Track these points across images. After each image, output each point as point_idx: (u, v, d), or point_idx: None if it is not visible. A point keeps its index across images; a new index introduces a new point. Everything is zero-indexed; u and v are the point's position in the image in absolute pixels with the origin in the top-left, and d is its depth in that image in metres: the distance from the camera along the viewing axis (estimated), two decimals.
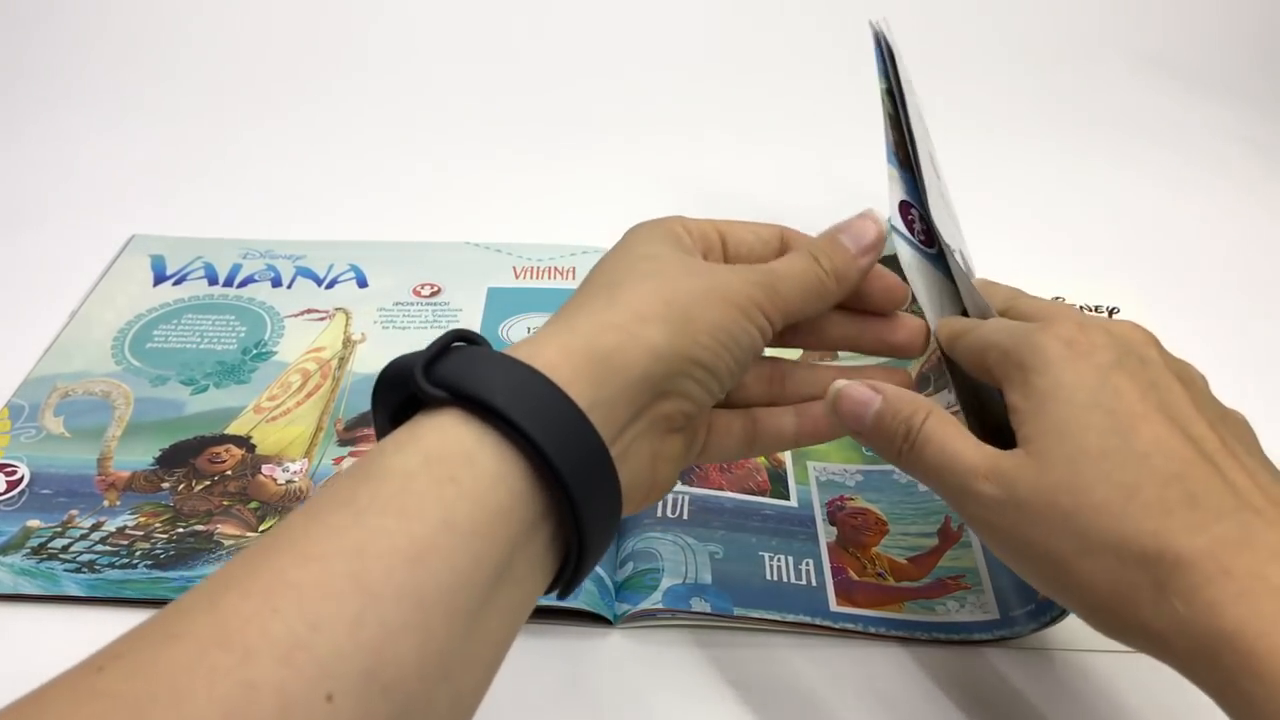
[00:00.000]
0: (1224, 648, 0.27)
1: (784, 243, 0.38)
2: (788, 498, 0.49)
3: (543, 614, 0.43)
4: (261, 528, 0.46)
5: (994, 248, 0.69)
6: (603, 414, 0.29)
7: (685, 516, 0.47)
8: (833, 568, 0.45)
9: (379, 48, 0.91)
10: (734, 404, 0.38)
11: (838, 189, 0.76)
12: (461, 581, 0.25)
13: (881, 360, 0.40)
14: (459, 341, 0.30)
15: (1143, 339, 0.33)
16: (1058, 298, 0.46)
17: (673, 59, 0.92)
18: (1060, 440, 0.30)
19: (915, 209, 0.42)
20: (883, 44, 0.46)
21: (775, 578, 0.45)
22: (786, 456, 0.51)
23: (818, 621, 0.43)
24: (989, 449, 0.32)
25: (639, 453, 0.31)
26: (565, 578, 0.29)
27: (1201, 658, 0.27)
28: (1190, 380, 0.33)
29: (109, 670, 0.22)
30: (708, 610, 0.42)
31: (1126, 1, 1.00)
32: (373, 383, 0.30)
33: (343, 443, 0.51)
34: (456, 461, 0.26)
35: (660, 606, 0.42)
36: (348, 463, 0.50)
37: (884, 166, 0.43)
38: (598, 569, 0.45)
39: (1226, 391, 0.55)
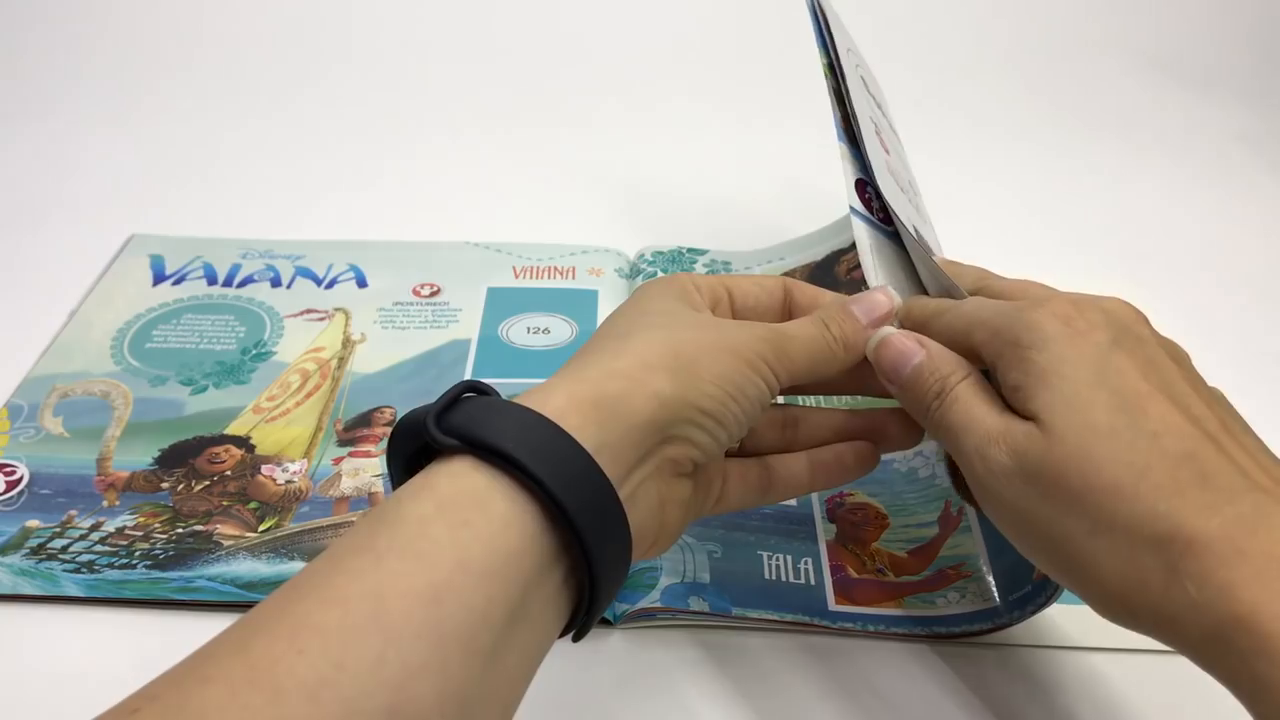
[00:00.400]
0: (1238, 631, 0.26)
1: (787, 292, 0.39)
2: None
3: None
4: (261, 528, 0.46)
5: (994, 247, 0.69)
6: (609, 456, 0.30)
7: None
8: (831, 566, 0.45)
9: (380, 48, 0.91)
10: (748, 453, 0.39)
11: (833, 188, 0.76)
12: (478, 621, 0.26)
13: (892, 401, 0.40)
14: (470, 393, 0.31)
15: (1134, 316, 0.33)
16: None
17: (674, 58, 0.93)
18: (1069, 415, 0.30)
19: (870, 186, 0.42)
20: (818, 13, 0.45)
21: (774, 577, 0.44)
22: None
23: (816, 621, 0.43)
24: (1012, 418, 0.32)
25: (647, 495, 0.32)
26: (580, 619, 0.30)
27: (1215, 642, 0.27)
28: (1180, 358, 0.33)
29: (144, 712, 0.23)
30: (706, 610, 0.42)
31: (1130, 2, 1.00)
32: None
33: (342, 443, 0.51)
34: (469, 506, 0.27)
35: (658, 605, 0.42)
36: (347, 463, 0.50)
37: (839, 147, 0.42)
38: None
39: (1228, 391, 0.55)
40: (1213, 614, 0.27)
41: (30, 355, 0.55)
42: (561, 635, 0.31)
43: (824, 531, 0.47)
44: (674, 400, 0.31)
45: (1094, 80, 0.93)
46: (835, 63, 0.44)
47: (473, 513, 0.27)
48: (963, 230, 0.72)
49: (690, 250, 0.66)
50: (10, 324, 0.58)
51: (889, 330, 0.36)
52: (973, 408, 0.32)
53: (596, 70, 0.90)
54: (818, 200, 0.75)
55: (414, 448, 0.30)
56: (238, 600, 0.43)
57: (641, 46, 0.93)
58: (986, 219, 0.74)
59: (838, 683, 0.41)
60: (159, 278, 0.63)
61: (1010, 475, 0.31)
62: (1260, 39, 0.99)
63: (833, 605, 0.43)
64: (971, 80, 0.92)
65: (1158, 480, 0.28)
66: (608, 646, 0.42)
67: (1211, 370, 0.57)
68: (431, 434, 0.29)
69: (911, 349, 0.35)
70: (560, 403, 0.30)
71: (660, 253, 0.65)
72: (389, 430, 0.51)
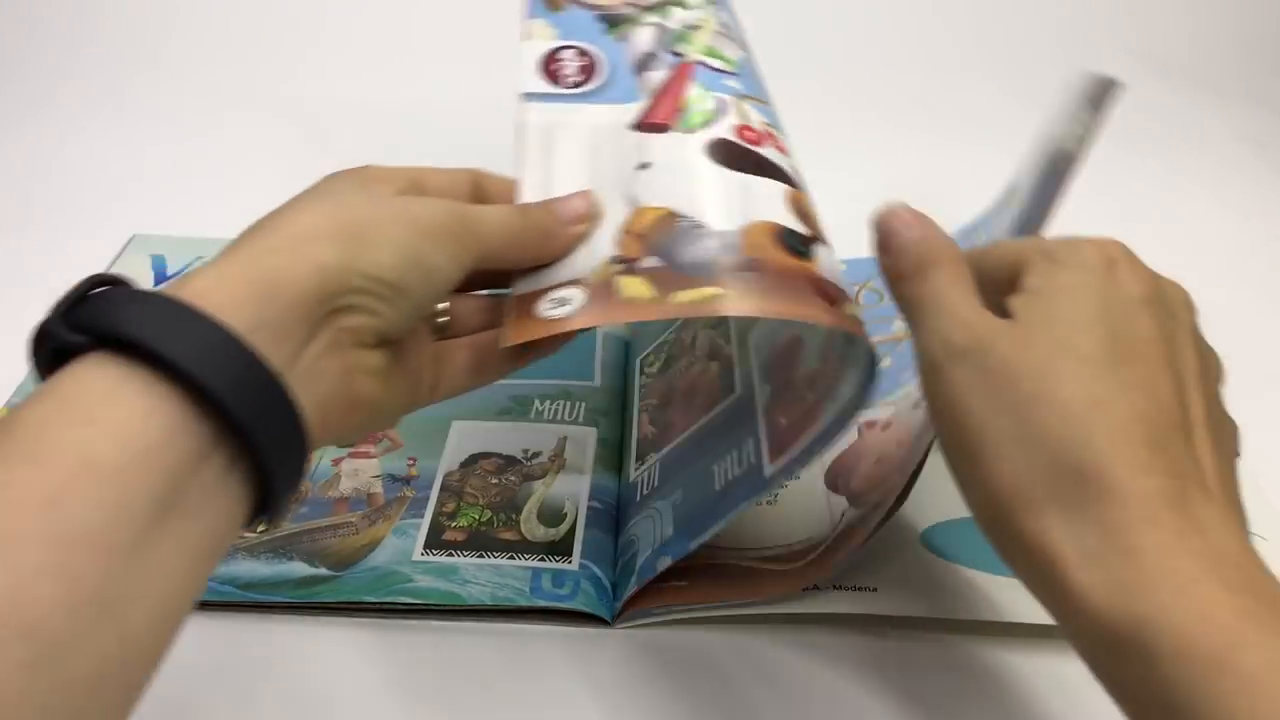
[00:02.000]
0: (1130, 597, 0.26)
1: (476, 185, 0.40)
2: (734, 389, 0.47)
3: (540, 615, 0.43)
4: (260, 528, 0.46)
5: None
6: (270, 334, 0.28)
7: (656, 483, 0.47)
8: (766, 427, 0.43)
9: (381, 48, 0.91)
10: (459, 334, 0.39)
11: (834, 188, 0.76)
12: (109, 519, 0.25)
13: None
14: (102, 286, 0.29)
15: (1185, 302, 0.33)
16: None
17: None
18: (1051, 327, 0.29)
19: (577, 47, 0.42)
20: None
21: (722, 483, 0.43)
22: (733, 351, 0.49)
23: (757, 500, 0.40)
24: (985, 312, 0.31)
25: (327, 370, 0.31)
26: (261, 504, 0.29)
27: (1098, 590, 0.26)
28: (1208, 368, 0.32)
29: None
30: (670, 562, 0.42)
31: (1130, 2, 1.00)
32: None
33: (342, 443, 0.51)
34: (97, 403, 0.26)
35: (636, 588, 0.42)
36: (346, 464, 0.50)
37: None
38: (594, 569, 0.45)
39: (1228, 391, 0.55)
40: (1108, 562, 0.26)
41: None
42: (251, 522, 0.29)
43: (761, 394, 0.45)
44: (339, 268, 0.30)
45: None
46: None
47: (100, 409, 0.26)
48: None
49: None
50: (11, 324, 0.58)
51: (900, 203, 0.35)
52: (948, 289, 0.32)
53: None
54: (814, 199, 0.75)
55: (50, 351, 0.28)
56: (238, 600, 0.43)
57: None
58: None
59: (839, 680, 0.41)
60: (160, 278, 0.63)
61: (965, 360, 0.30)
62: (1268, 40, 0.99)
63: (768, 471, 0.41)
64: (971, 80, 0.92)
65: (1108, 422, 0.28)
66: (605, 646, 0.42)
67: None
68: (56, 331, 0.27)
69: (912, 223, 0.34)
70: (203, 285, 0.28)
71: None
72: (387, 432, 0.51)
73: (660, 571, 0.42)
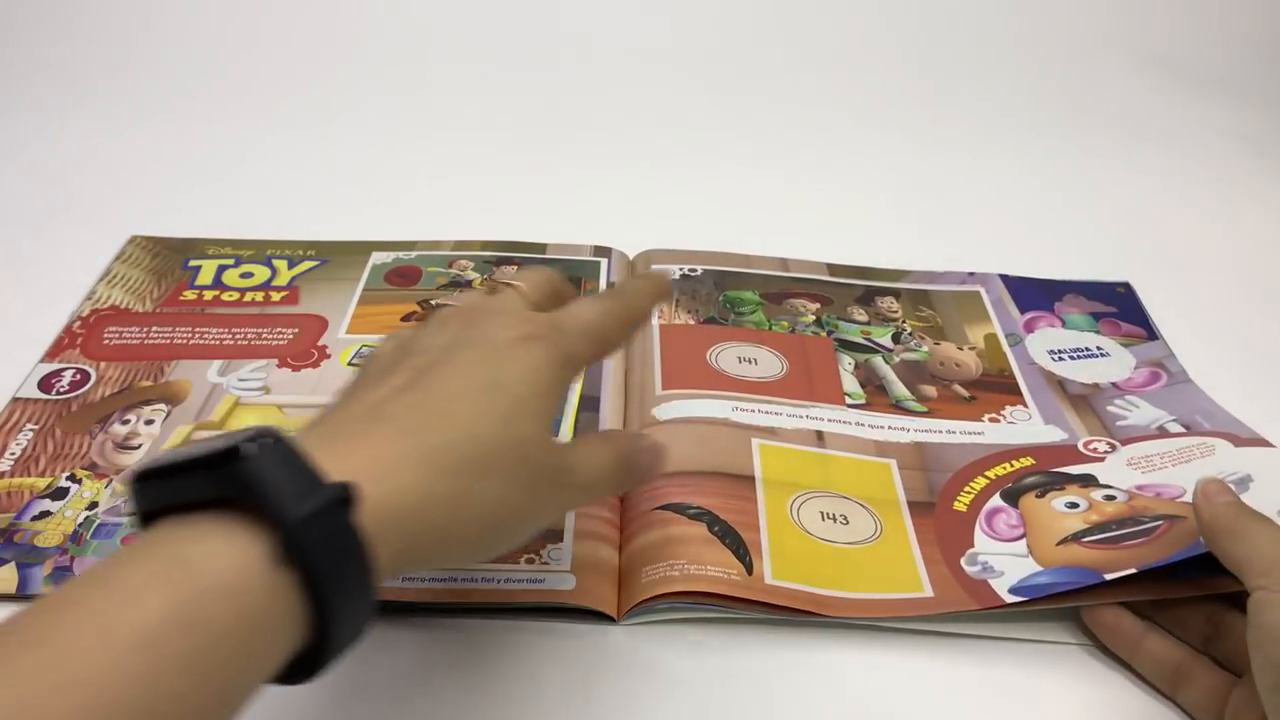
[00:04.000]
0: None
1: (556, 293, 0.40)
2: None
3: (544, 612, 0.43)
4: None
5: (996, 246, 0.70)
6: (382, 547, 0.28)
7: None
8: None
9: (381, 48, 0.91)
10: None
11: (835, 188, 0.76)
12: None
13: None
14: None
15: None
16: None
17: (675, 60, 0.93)
18: None
19: None
20: None
21: None
22: None
23: None
24: None
25: None
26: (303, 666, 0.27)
27: None
28: None
29: None
30: None
31: (1130, 2, 1.00)
32: None
33: None
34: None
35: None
36: None
37: None
38: None
39: (1228, 391, 0.56)
40: None
41: (31, 355, 0.55)
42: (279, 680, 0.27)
43: None
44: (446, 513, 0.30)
45: (1096, 80, 0.93)
46: None
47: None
48: (964, 230, 0.72)
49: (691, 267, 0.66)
50: (11, 324, 0.58)
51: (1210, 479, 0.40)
52: (1252, 530, 0.37)
53: (598, 69, 0.90)
54: (816, 198, 0.75)
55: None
56: None
57: (645, 47, 0.93)
58: (988, 219, 0.74)
59: (839, 679, 0.41)
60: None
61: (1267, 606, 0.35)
62: (1267, 40, 0.99)
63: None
64: (973, 81, 0.92)
65: None
66: (609, 643, 0.42)
67: (1214, 370, 0.58)
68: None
69: (1227, 489, 0.40)
70: (390, 489, 0.28)
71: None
72: None
73: None
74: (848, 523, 0.46)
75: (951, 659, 0.42)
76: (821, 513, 0.47)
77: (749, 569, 0.43)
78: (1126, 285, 0.65)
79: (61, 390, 0.53)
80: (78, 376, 0.54)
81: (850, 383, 0.56)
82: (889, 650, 0.42)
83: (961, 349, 0.59)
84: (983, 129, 0.86)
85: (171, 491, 0.26)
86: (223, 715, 0.25)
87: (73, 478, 0.48)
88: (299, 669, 0.27)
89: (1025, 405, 0.55)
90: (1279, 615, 0.34)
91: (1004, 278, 0.65)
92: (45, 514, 0.46)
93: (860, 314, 0.61)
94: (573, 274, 0.63)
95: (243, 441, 0.26)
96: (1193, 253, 0.71)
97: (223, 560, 0.25)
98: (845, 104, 0.88)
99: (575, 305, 0.37)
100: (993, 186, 0.78)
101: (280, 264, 0.64)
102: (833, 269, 0.65)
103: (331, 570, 0.26)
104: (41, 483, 0.47)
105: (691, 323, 0.58)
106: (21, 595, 0.42)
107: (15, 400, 0.52)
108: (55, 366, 0.54)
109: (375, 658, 0.41)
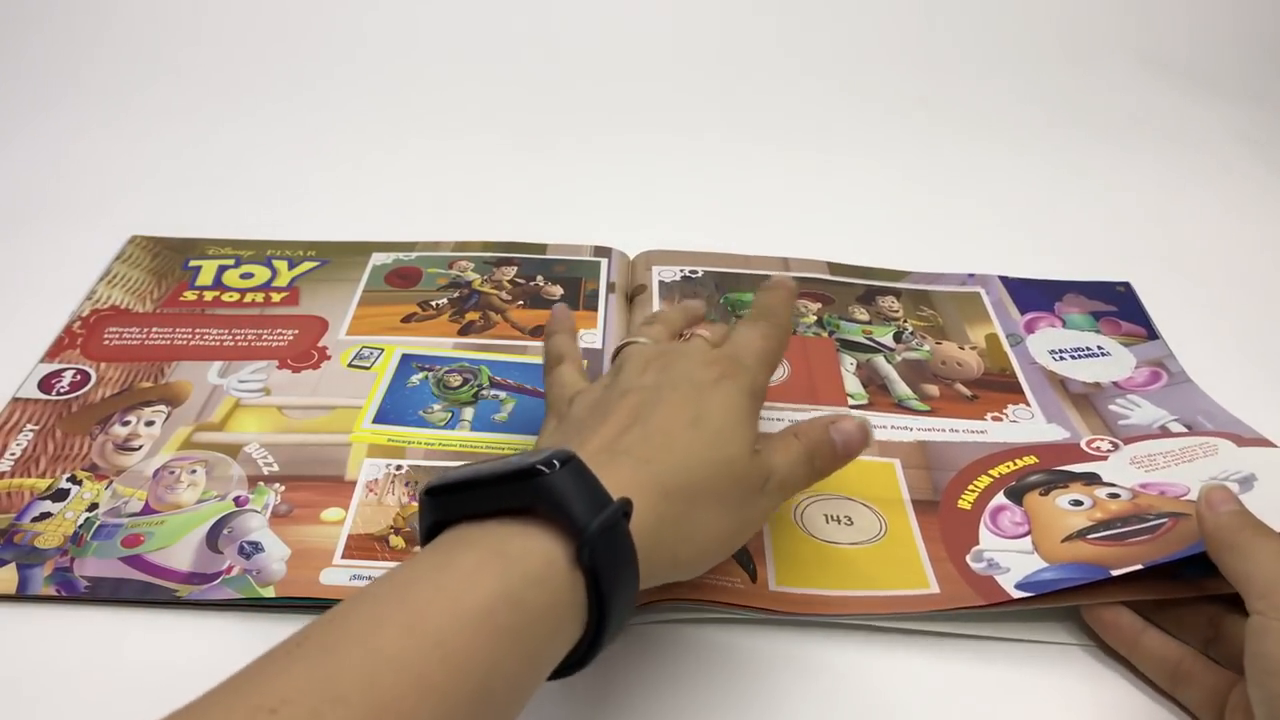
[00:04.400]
0: None
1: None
2: None
3: None
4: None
5: (997, 246, 0.70)
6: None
7: None
8: None
9: (381, 48, 0.91)
10: None
11: (835, 189, 0.76)
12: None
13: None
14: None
15: None
16: None
17: (675, 60, 0.93)
18: None
19: None
20: None
21: None
22: None
23: None
24: None
25: None
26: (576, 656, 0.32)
27: None
28: None
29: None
30: None
31: (1130, 2, 1.00)
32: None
33: None
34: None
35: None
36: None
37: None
38: None
39: (1229, 391, 0.55)
40: None
41: (31, 356, 0.55)
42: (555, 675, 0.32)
43: None
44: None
45: (1096, 81, 0.93)
46: None
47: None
48: (966, 230, 0.72)
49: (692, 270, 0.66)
50: (11, 324, 0.58)
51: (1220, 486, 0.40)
52: (1258, 551, 0.37)
53: (597, 70, 0.90)
54: (821, 200, 0.75)
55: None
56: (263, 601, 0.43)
57: (644, 49, 0.93)
58: (989, 219, 0.74)
59: (840, 678, 0.41)
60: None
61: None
62: (1267, 41, 0.99)
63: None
64: (973, 81, 0.92)
65: None
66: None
67: (1214, 370, 0.57)
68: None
69: (1232, 497, 0.40)
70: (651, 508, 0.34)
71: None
72: None
73: None
74: (852, 523, 0.46)
75: (951, 659, 0.42)
76: (826, 515, 0.47)
77: (753, 577, 0.43)
78: (1126, 285, 0.65)
79: (62, 391, 0.53)
80: (78, 377, 0.54)
81: (852, 383, 0.56)
82: (889, 650, 0.42)
83: (963, 348, 0.59)
84: (983, 129, 0.86)
85: (474, 501, 0.31)
86: (527, 690, 0.30)
87: (73, 479, 0.48)
88: (571, 662, 0.32)
89: (1027, 404, 0.55)
90: (1274, 645, 0.34)
91: (1004, 279, 0.65)
92: (45, 515, 0.46)
93: (861, 313, 0.61)
94: (573, 274, 0.63)
95: (541, 461, 0.31)
96: (1193, 253, 0.71)
97: (535, 556, 0.30)
98: (846, 104, 0.88)
99: (740, 336, 0.43)
100: (993, 186, 0.78)
101: (280, 265, 0.64)
102: (833, 268, 0.65)
103: (612, 573, 0.31)
104: (42, 484, 0.47)
105: None
106: (21, 596, 0.42)
107: (15, 400, 0.52)
108: (55, 367, 0.54)
109: None
